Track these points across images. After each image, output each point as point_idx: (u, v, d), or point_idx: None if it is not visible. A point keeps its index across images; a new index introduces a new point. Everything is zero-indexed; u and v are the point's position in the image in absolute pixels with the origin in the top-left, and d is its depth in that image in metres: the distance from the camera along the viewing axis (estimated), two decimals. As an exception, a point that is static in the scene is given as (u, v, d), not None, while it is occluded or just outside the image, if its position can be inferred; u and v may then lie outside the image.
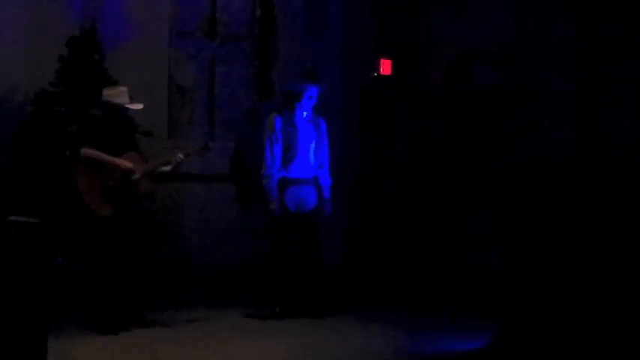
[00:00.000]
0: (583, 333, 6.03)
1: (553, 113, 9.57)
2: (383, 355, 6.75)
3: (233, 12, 10.60)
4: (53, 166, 8.67)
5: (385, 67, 10.12)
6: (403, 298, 8.92)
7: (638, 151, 8.77)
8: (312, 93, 7.95)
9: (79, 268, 8.05)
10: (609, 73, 9.18)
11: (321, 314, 7.88)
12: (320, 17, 10.52)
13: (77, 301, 7.50)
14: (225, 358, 6.64)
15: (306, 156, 7.99)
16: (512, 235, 6.52)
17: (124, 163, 7.30)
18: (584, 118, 9.43)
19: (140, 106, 7.46)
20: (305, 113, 7.99)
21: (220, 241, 10.29)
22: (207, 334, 7.27)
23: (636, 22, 9.07)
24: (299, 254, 8.01)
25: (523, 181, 6.46)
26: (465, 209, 9.71)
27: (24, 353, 5.47)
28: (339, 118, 9.95)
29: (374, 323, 7.73)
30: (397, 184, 10.31)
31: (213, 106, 10.60)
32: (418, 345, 7.04)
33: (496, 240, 6.96)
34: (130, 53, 9.89)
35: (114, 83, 8.64)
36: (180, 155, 7.44)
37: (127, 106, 7.38)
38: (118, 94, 7.38)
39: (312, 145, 8.01)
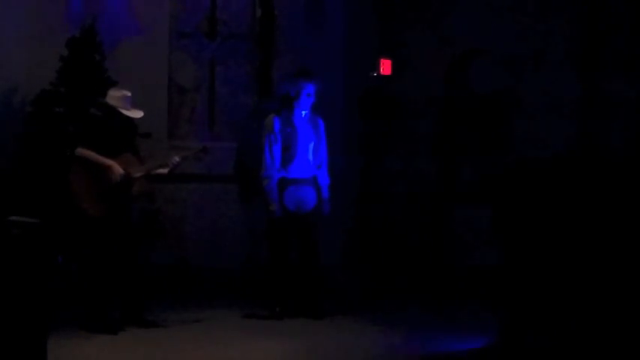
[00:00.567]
0: (584, 331, 6.03)
1: (554, 114, 9.57)
2: (383, 355, 6.76)
3: (233, 12, 10.59)
4: (53, 166, 8.67)
5: (385, 67, 10.12)
6: (403, 297, 8.92)
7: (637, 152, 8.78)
8: (309, 90, 7.94)
9: (79, 268, 8.05)
10: (611, 74, 9.17)
11: (321, 314, 7.88)
12: (320, 17, 10.51)
13: (77, 301, 7.50)
14: (226, 358, 6.64)
15: (305, 156, 8.00)
16: (513, 231, 6.52)
17: (115, 166, 7.28)
18: (584, 117, 9.44)
19: (140, 115, 7.45)
20: (304, 112, 7.99)
21: (220, 242, 10.28)
22: (208, 335, 7.27)
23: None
24: (299, 254, 8.02)
25: (524, 177, 6.46)
26: (466, 205, 9.71)
27: (24, 353, 5.47)
28: (340, 118, 9.95)
29: (374, 323, 7.73)
30: (397, 183, 10.32)
31: (214, 106, 10.60)
32: (418, 345, 7.04)
33: (497, 237, 6.95)
34: (130, 53, 9.89)
35: (114, 83, 8.64)
36: (177, 158, 7.45)
37: (126, 113, 7.37)
38: (119, 99, 7.38)
39: (311, 145, 8.01)
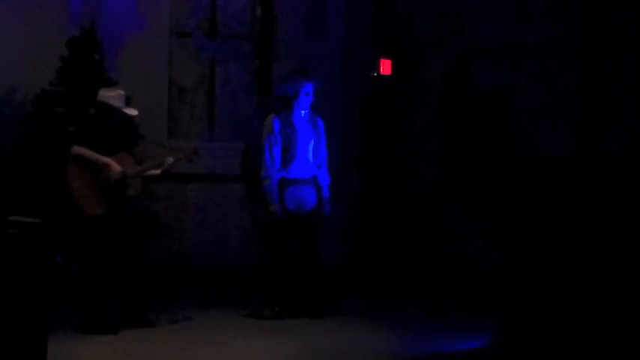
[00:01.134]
0: (583, 331, 6.03)
1: (553, 114, 9.57)
2: (383, 355, 6.75)
3: (233, 12, 10.60)
4: (53, 166, 8.66)
5: (385, 67, 10.12)
6: (403, 297, 8.92)
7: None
8: (307, 89, 7.94)
9: (79, 268, 8.05)
10: (611, 74, 9.17)
11: (321, 314, 7.88)
12: (320, 17, 10.52)
13: (77, 301, 7.50)
14: (225, 358, 6.64)
15: (305, 156, 8.00)
16: (514, 231, 6.52)
17: (113, 163, 7.28)
18: (584, 118, 9.43)
19: (135, 112, 7.46)
20: (303, 112, 7.98)
21: (220, 241, 10.29)
22: (207, 334, 7.27)
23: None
24: (299, 254, 8.02)
25: (524, 178, 6.46)
26: (466, 205, 9.72)
27: (24, 353, 5.47)
28: (339, 118, 9.96)
29: (373, 323, 7.73)
30: (397, 183, 10.32)
31: (213, 106, 10.61)
32: (418, 345, 7.04)
33: (497, 237, 6.95)
34: (130, 53, 9.90)
35: (114, 83, 8.64)
36: (171, 159, 7.45)
37: (125, 111, 7.36)
38: (114, 97, 7.37)
39: (311, 145, 8.01)
